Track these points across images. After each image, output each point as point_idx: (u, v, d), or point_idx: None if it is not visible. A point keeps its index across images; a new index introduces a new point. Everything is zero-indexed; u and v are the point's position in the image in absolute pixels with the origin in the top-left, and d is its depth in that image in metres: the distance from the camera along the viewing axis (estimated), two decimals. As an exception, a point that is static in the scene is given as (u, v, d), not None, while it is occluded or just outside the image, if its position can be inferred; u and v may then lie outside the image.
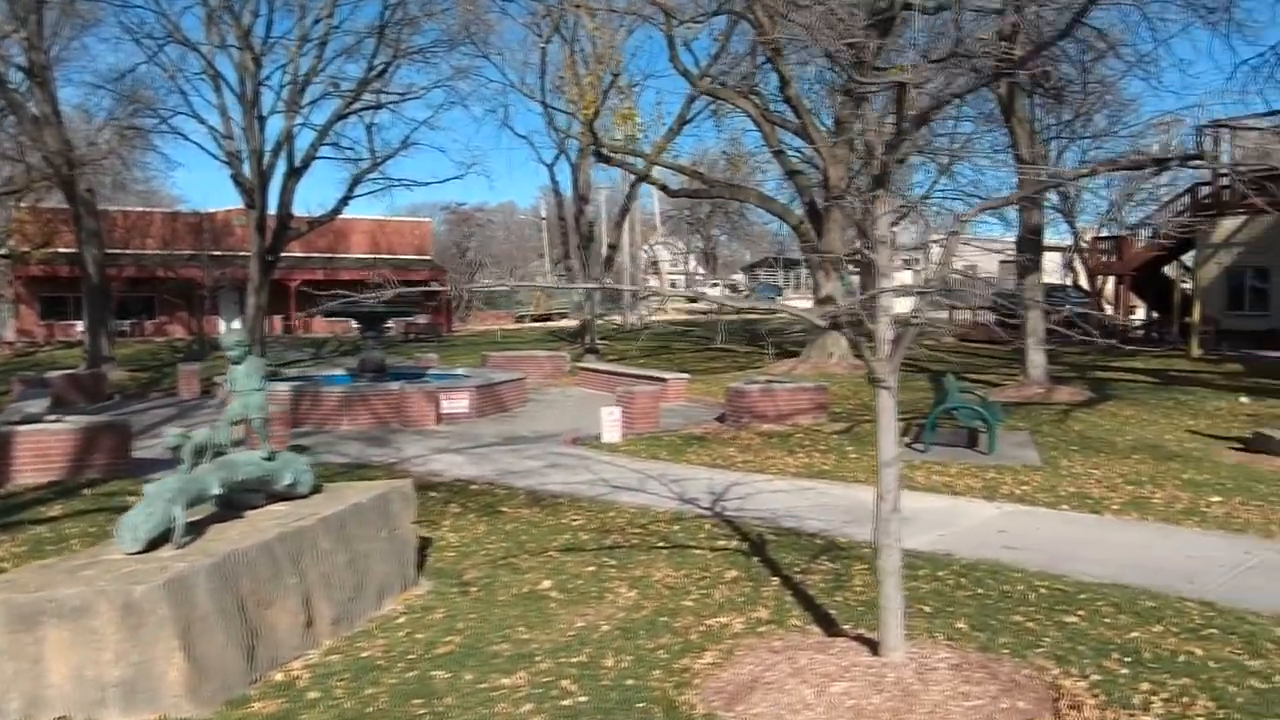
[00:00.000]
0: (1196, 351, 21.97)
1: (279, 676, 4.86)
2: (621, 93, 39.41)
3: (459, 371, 18.62)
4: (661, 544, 7.34)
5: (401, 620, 5.73)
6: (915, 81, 9.23)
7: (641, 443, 12.44)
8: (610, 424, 12.62)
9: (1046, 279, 50.04)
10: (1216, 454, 11.36)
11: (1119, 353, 24.11)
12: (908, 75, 5.09)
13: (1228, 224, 25.17)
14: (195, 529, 5.10)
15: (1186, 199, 27.37)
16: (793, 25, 20.04)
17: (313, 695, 4.64)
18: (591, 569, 6.69)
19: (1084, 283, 34.17)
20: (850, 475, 10.28)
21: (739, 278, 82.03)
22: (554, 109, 23.03)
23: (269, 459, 5.77)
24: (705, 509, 8.60)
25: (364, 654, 5.18)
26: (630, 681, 4.69)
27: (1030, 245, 17.23)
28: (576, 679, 4.74)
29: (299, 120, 26.96)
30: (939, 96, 8.41)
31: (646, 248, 76.64)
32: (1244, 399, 16.06)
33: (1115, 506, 8.73)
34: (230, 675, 4.61)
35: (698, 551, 7.10)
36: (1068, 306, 33.56)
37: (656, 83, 43.53)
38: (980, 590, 6.11)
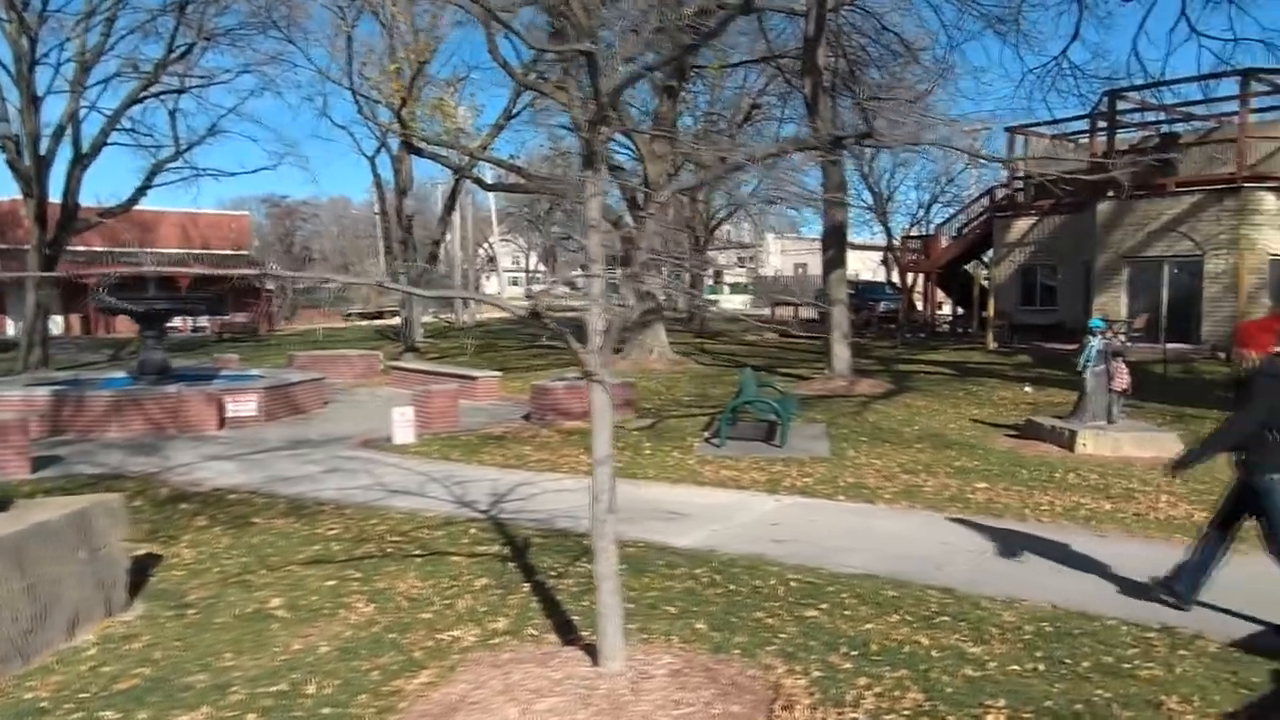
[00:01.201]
0: (992, 345, 23.24)
1: (-89, 729, 4.17)
2: (450, 85, 38.39)
3: (254, 373, 17.51)
4: (418, 552, 6.91)
5: (92, 652, 5.09)
6: (601, 50, 9.16)
7: (436, 443, 11.93)
8: (402, 424, 12.05)
9: (867, 277, 52.28)
10: (992, 441, 11.86)
11: (924, 346, 25.28)
12: (589, 45, 4.83)
13: (1021, 224, 26.77)
14: None
15: (985, 201, 29.01)
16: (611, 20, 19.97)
17: (-55, 749, 3.99)
18: (332, 583, 6.20)
19: (897, 279, 35.72)
20: (641, 473, 10.13)
21: (577, 274, 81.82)
22: (364, 98, 22.07)
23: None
24: (481, 512, 8.22)
25: (28, 696, 4.53)
26: (327, 710, 4.26)
27: (834, 242, 17.68)
28: (267, 711, 4.27)
29: (85, 103, 24.87)
30: (634, 72, 8.28)
31: (485, 245, 75.54)
32: (1028, 388, 16.97)
33: (888, 496, 8.91)
34: None
35: (455, 559, 6.71)
36: (883, 303, 35.21)
37: (492, 75, 42.66)
38: (733, 587, 5.99)
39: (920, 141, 15.66)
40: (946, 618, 5.37)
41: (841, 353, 17.76)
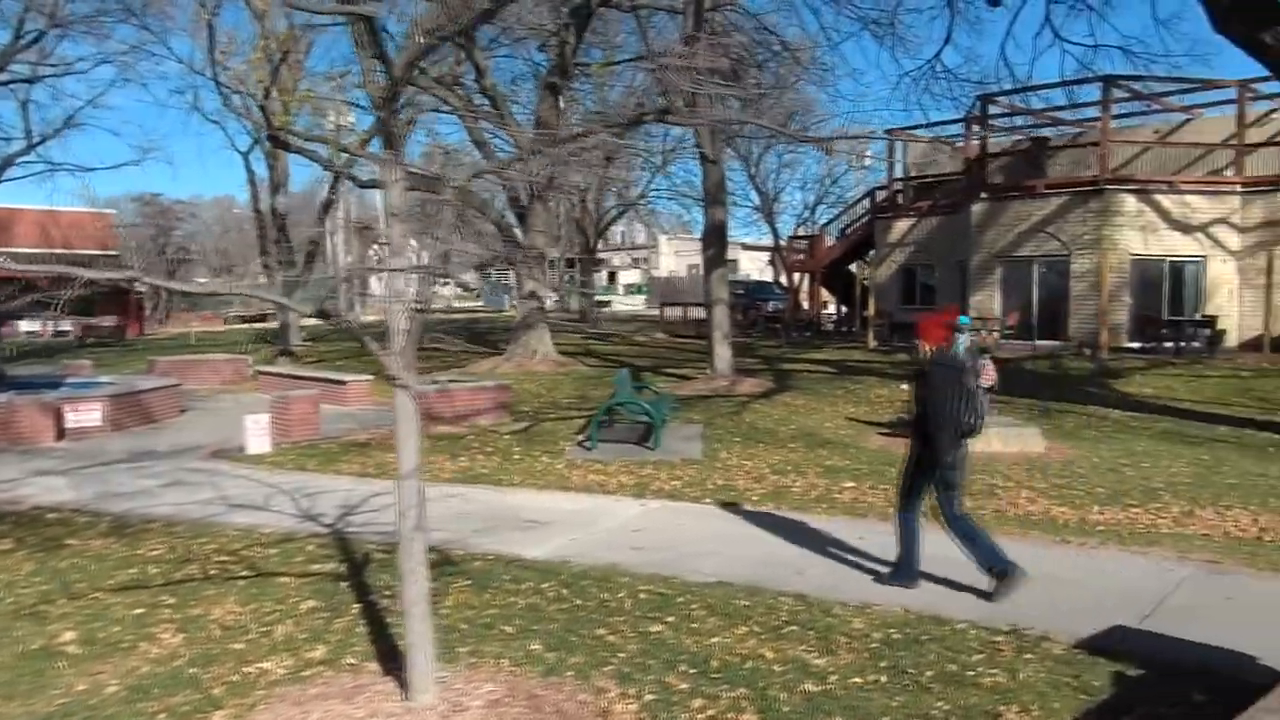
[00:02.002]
0: (872, 343, 23.59)
1: None
2: (332, 79, 37.05)
3: (103, 380, 16.39)
4: (245, 573, 6.37)
5: None
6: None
7: (293, 452, 11.28)
8: (256, 433, 11.35)
9: (757, 277, 52.81)
10: (865, 440, 11.87)
11: (809, 345, 25.53)
12: (370, 8, 4.47)
13: (901, 225, 27.31)
14: None
15: (868, 202, 29.53)
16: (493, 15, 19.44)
17: None
18: (139, 611, 5.63)
19: (785, 279, 36.13)
20: (507, 479, 9.73)
21: (470, 277, 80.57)
22: (230, 90, 20.98)
23: None
24: (325, 526, 7.69)
25: None
26: (93, 763, 3.76)
27: (714, 241, 17.58)
28: (22, 768, 3.74)
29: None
30: (427, 44, 7.96)
31: (375, 246, 73.58)
32: (904, 386, 17.17)
33: (756, 497, 8.74)
34: None
35: (284, 579, 6.20)
36: (772, 303, 35.53)
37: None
38: (579, 601, 5.67)
39: (734, 122, 15.61)
40: (795, 627, 5.16)
41: (723, 352, 17.68)
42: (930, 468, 6.02)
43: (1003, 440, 10.87)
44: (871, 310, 24.42)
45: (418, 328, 4.01)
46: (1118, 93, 22.89)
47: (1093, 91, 22.34)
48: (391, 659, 4.77)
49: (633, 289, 72.02)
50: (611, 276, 76.13)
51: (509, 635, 5.08)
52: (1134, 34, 36.37)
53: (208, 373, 19.94)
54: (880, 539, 7.26)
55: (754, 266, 62.06)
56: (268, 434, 11.43)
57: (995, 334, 22.29)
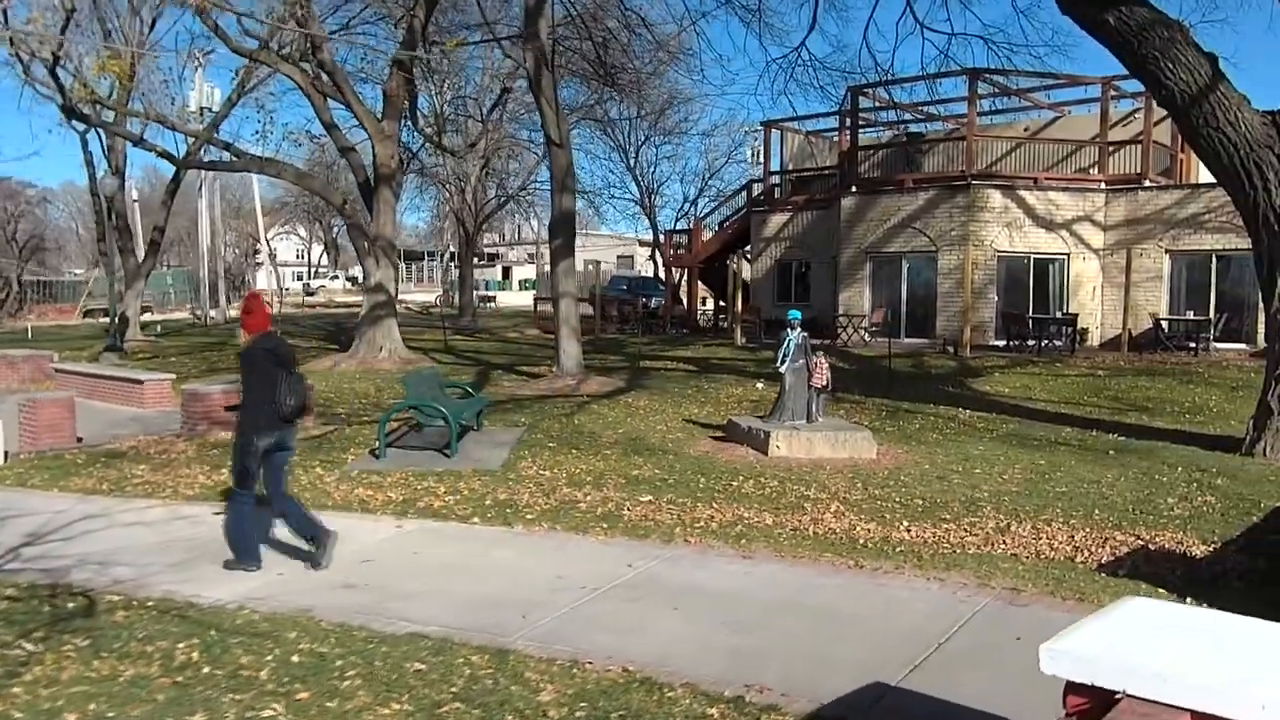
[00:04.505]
0: (741, 340, 22.80)
1: None
2: (196, 59, 34.64)
3: None
4: None
5: None
6: None
7: (26, 464, 9.72)
8: (-18, 442, 9.74)
9: (642, 272, 51.95)
10: (692, 445, 10.88)
11: (681, 342, 24.63)
12: None
13: (777, 219, 26.65)
14: None
15: (743, 195, 28.82)
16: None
17: None
18: None
19: (664, 275, 35.30)
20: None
21: (359, 271, 77.83)
22: (29, 55, 18.86)
23: None
24: (-18, 560, 6.27)
25: None
26: None
27: (561, 230, 16.44)
28: None
29: None
30: None
31: (258, 238, 70.32)
32: (760, 385, 16.35)
33: (532, 516, 7.62)
34: None
35: None
36: (654, 299, 34.62)
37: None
38: (207, 670, 4.43)
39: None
40: (460, 704, 4.03)
41: (570, 350, 16.56)
42: (279, 449, 6.27)
43: (831, 445, 10.00)
44: (739, 306, 23.63)
45: None
46: (988, 89, 22.61)
47: (963, 86, 21.98)
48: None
49: (527, 284, 70.48)
50: (506, 272, 74.47)
51: (73, 724, 3.82)
52: (995, 23, 36.63)
53: (4, 369, 17.90)
54: (646, 568, 6.24)
55: (651, 263, 61.22)
56: (-2, 442, 9.83)
57: (862, 331, 21.75)
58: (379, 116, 20.21)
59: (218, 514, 7.09)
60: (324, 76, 19.98)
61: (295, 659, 4.52)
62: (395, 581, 5.95)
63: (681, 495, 8.26)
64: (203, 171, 37.12)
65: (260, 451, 6.14)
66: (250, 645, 4.69)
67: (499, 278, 73.20)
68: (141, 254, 28.43)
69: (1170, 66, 10.18)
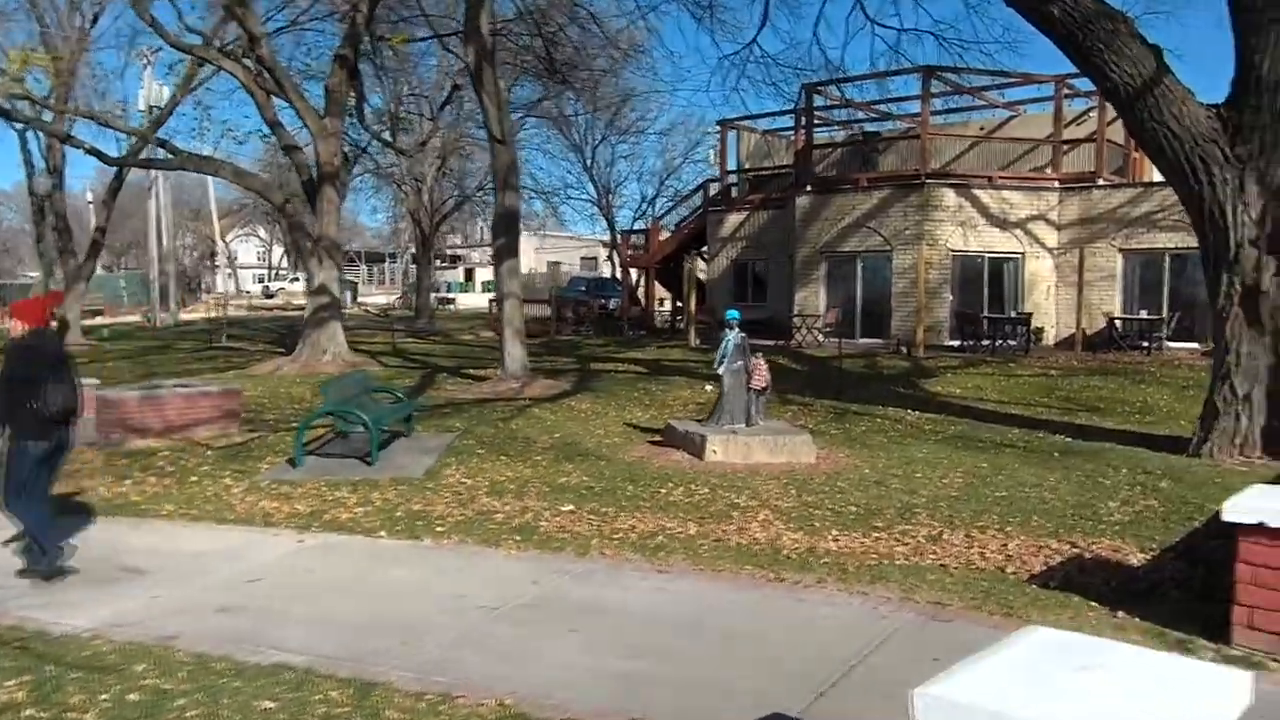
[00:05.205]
0: (695, 342, 22.46)
1: None
2: (138, 59, 33.70)
3: None
4: None
5: None
6: None
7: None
8: None
9: (604, 274, 51.56)
10: (628, 450, 10.49)
11: (636, 343, 24.25)
12: None
13: (734, 218, 26.35)
14: None
15: (700, 195, 28.51)
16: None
17: None
18: None
19: (621, 276, 34.95)
20: (157, 508, 7.91)
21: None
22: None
23: None
24: None
25: None
26: None
27: (504, 229, 16.01)
28: None
29: None
30: None
31: (223, 241, 69.02)
32: (709, 387, 15.97)
33: (443, 528, 7.19)
34: None
35: None
36: (613, 300, 34.25)
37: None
38: (28, 713, 3.96)
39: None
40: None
41: (515, 352, 16.13)
42: (59, 451, 6.13)
43: (769, 450, 9.64)
44: (693, 307, 23.29)
45: None
46: (943, 87, 22.45)
47: (917, 84, 21.78)
48: None
49: (490, 286, 69.81)
50: (469, 274, 73.77)
51: None
52: (946, 19, 36.63)
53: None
54: (560, 581, 5.84)
55: (610, 264, 60.86)
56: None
57: (816, 332, 21.49)
58: (322, 114, 19.67)
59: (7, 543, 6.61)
60: (266, 73, 19.42)
61: (133, 697, 4.06)
62: (279, 604, 5.50)
63: (606, 504, 7.86)
64: (151, 171, 36.32)
65: (35, 459, 5.90)
66: (88, 682, 4.23)
67: (461, 279, 72.54)
68: (83, 256, 27.57)
69: (1114, 59, 9.96)
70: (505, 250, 16.12)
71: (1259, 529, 4.60)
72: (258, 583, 5.93)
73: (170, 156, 19.44)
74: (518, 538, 6.90)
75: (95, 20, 26.47)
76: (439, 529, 7.15)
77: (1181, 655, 4.55)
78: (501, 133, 15.72)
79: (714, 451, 9.65)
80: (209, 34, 21.56)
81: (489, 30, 15.47)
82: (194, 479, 8.97)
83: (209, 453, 10.27)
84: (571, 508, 7.74)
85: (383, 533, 7.10)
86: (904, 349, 19.66)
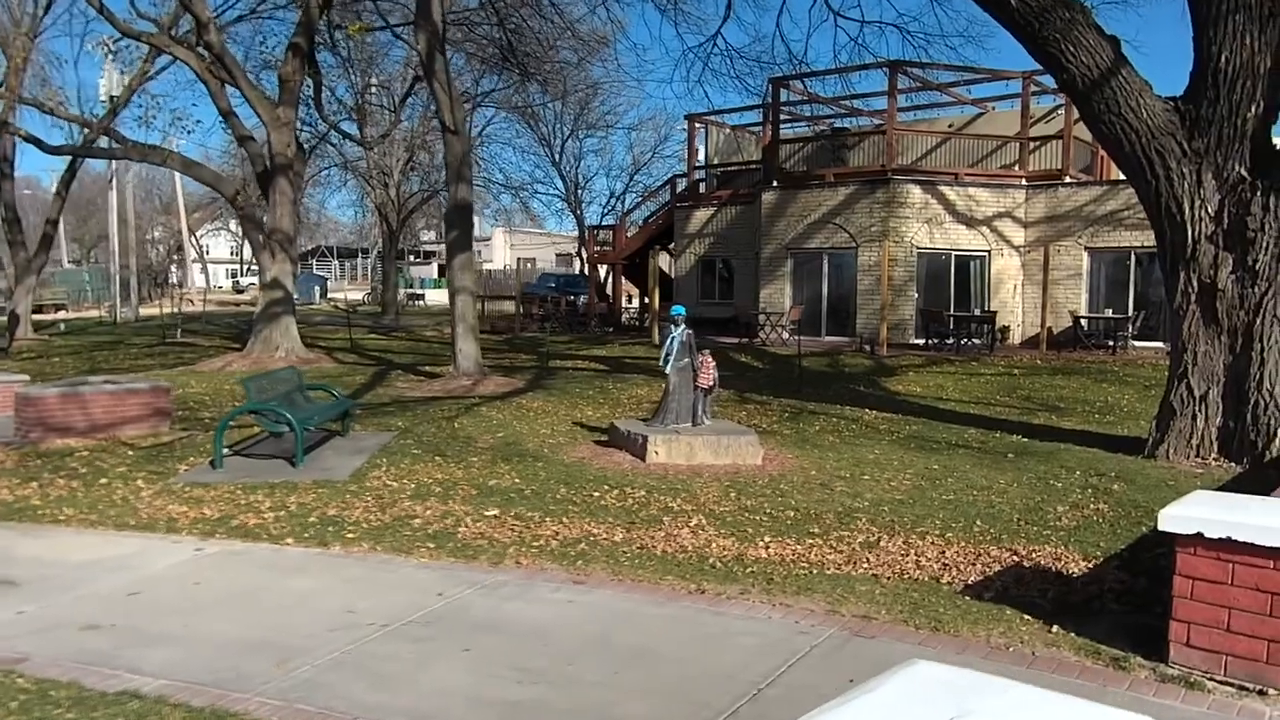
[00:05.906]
0: (658, 339, 22.08)
1: None
2: (98, 48, 32.98)
3: None
4: None
5: None
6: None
7: None
8: None
9: (573, 270, 51.10)
10: (569, 450, 10.10)
11: (600, 340, 23.87)
12: None
13: (701, 214, 26.01)
14: None
15: (668, 190, 28.15)
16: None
17: None
18: None
19: (587, 272, 34.58)
20: (55, 512, 7.46)
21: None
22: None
23: None
24: None
25: None
26: None
27: (457, 221, 15.57)
28: None
29: None
30: None
31: (193, 236, 68.06)
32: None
33: (354, 535, 6.78)
34: None
35: None
36: (582, 297, 33.83)
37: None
38: None
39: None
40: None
41: (468, 349, 15.69)
42: None
43: (714, 451, 9.28)
44: (656, 304, 22.93)
45: None
46: (909, 83, 22.19)
47: (885, 79, 21.51)
48: None
49: (465, 283, 69.02)
50: (442, 270, 73.03)
51: None
52: (910, 12, 36.48)
53: None
54: (466, 595, 5.46)
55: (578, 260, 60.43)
56: None
57: (781, 329, 21.18)
58: (276, 103, 19.16)
59: None
60: (219, 61, 18.90)
61: (-54, 732, 3.65)
62: (152, 620, 5.09)
63: (533, 508, 7.48)
64: (111, 163, 35.57)
65: None
66: (-96, 713, 3.81)
67: (434, 275, 71.80)
68: (34, 248, 26.87)
69: (1071, 49, 9.67)
70: (457, 244, 15.68)
71: (1197, 539, 4.28)
72: (136, 596, 5.51)
73: (115, 146, 18.84)
74: (431, 545, 6.50)
75: (48, 8, 25.83)
76: (350, 535, 6.74)
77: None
78: (454, 123, 15.28)
79: (656, 453, 9.28)
80: (162, 21, 20.99)
81: (440, 18, 15.01)
82: (104, 481, 8.50)
83: (130, 453, 9.80)
84: (496, 512, 7.34)
85: (290, 540, 6.69)
86: (868, 347, 19.38)
